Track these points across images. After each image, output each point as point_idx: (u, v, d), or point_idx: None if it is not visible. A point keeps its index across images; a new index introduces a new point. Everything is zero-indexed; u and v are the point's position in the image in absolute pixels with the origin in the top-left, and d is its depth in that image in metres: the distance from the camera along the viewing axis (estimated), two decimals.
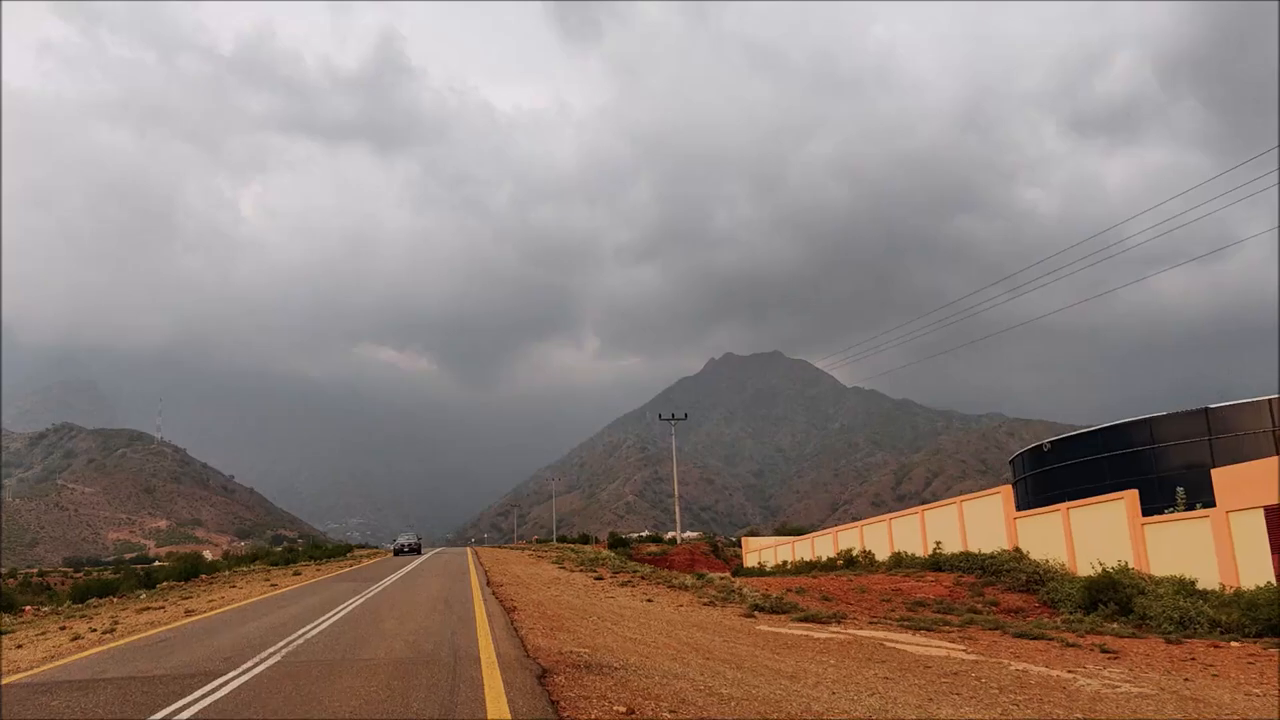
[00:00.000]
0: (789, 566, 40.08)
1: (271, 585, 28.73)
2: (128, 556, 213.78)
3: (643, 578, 24.84)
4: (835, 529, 40.06)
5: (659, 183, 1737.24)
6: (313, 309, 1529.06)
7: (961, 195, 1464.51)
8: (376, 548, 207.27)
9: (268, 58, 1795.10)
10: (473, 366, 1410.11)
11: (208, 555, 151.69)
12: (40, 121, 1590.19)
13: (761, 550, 47.58)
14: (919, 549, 30.33)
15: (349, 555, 69.73)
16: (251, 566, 46.98)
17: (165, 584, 34.16)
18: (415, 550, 64.68)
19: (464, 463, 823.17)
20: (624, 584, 23.23)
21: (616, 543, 58.28)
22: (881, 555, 32.60)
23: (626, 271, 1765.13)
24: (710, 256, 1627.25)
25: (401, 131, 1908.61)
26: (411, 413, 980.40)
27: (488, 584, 24.30)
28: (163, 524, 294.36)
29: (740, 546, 52.19)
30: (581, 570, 29.78)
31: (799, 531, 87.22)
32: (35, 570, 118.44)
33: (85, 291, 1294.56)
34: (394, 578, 29.66)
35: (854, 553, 34.69)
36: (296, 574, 36.44)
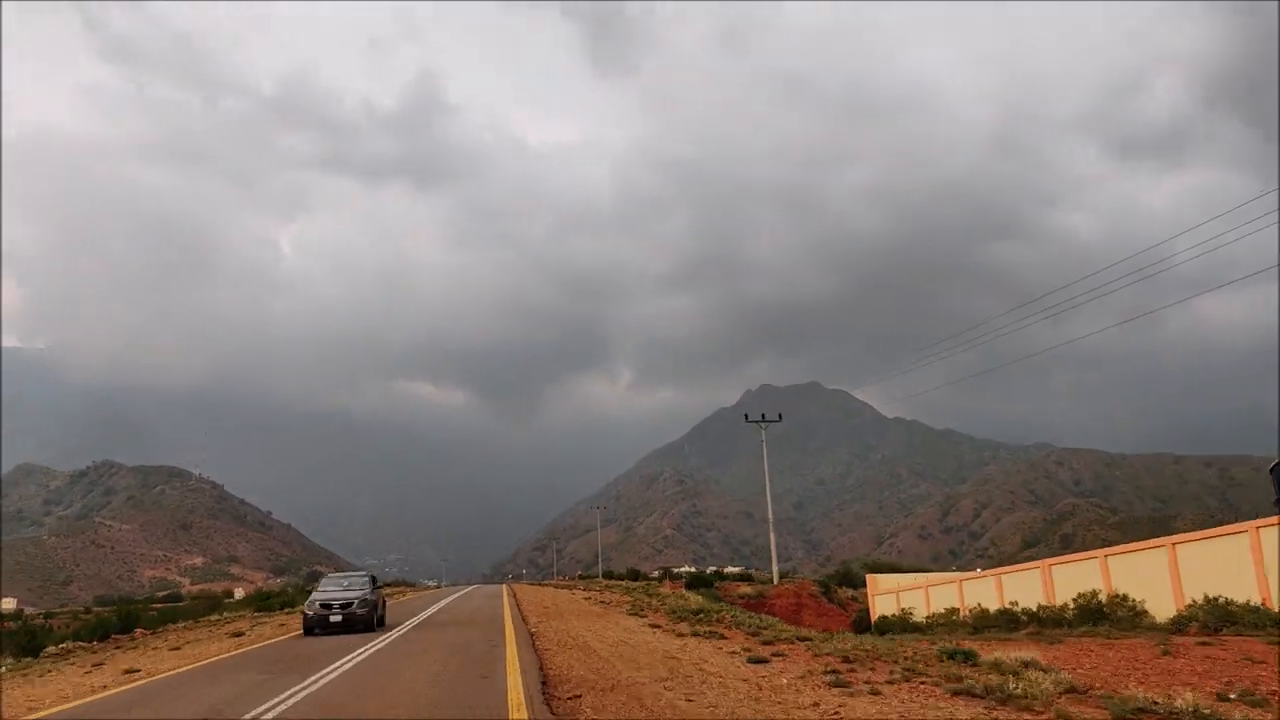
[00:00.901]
0: (961, 619, 26.94)
1: (124, 673, 16.78)
2: (160, 594, 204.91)
3: (869, 658, 12.12)
4: (1046, 562, 27.33)
5: (693, 213, 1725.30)
6: (351, 344, 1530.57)
7: (1000, 221, 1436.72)
8: (414, 584, 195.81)
9: (308, 98, 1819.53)
10: (507, 400, 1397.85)
11: (239, 593, 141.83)
12: (81, 161, 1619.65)
13: (901, 592, 34.51)
14: (1249, 592, 17.67)
15: None
16: (223, 614, 35.17)
17: (62, 645, 22.23)
18: (359, 623, 25.79)
19: (499, 497, 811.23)
20: (840, 685, 10.64)
21: (698, 581, 44.44)
22: (1158, 606, 19.83)
23: (660, 303, 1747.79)
24: (745, 286, 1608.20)
25: (438, 168, 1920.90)
26: (447, 447, 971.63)
27: (544, 691, 11.58)
28: (199, 561, 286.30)
29: (866, 587, 38.37)
30: (694, 632, 17.32)
31: (894, 568, 73.34)
32: (38, 613, 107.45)
33: (126, 330, 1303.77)
34: (359, 658, 17.39)
35: (1098, 599, 21.78)
36: (238, 634, 24.62)
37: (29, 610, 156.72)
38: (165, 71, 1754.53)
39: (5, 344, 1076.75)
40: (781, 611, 33.14)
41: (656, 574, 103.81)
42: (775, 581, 44.86)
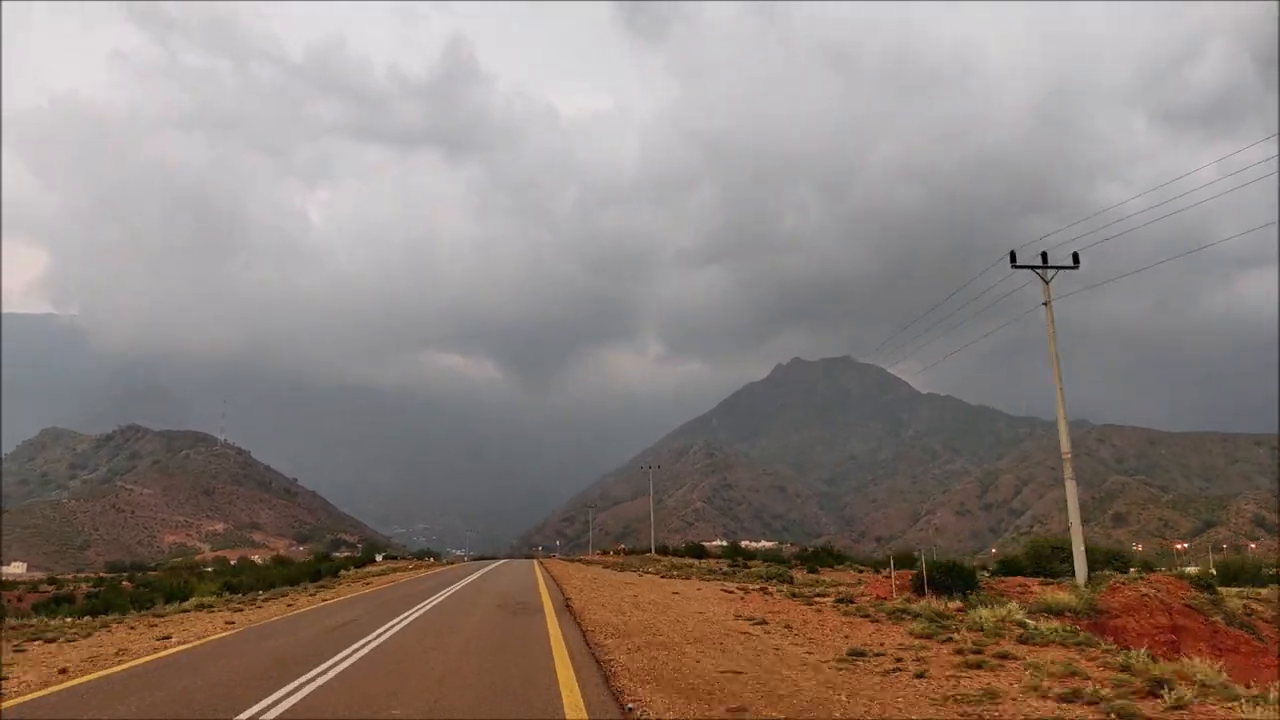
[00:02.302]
0: None
1: None
2: (174, 561, 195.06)
3: None
4: None
5: (724, 186, 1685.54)
6: (379, 316, 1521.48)
7: (1038, 194, 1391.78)
8: (439, 556, 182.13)
9: (338, 66, 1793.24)
10: (536, 372, 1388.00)
11: (256, 560, 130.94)
12: (113, 131, 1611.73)
13: None
14: None
15: (339, 575, 43.33)
16: (145, 605, 21.04)
17: None
18: None
19: (528, 469, 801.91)
20: None
21: (953, 578, 18.70)
22: None
23: (690, 276, 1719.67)
24: (776, 260, 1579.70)
25: (468, 137, 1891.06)
26: (476, 419, 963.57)
27: None
28: (220, 527, 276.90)
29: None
30: None
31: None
32: (22, 580, 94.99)
33: (156, 298, 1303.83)
34: None
35: None
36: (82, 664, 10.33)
37: (37, 575, 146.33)
38: (196, 37, 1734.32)
39: (37, 310, 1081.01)
40: (1141, 637, 16.83)
41: (720, 547, 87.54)
42: (1079, 577, 19.89)
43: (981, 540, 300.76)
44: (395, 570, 58.76)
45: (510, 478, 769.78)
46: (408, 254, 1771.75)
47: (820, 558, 50.46)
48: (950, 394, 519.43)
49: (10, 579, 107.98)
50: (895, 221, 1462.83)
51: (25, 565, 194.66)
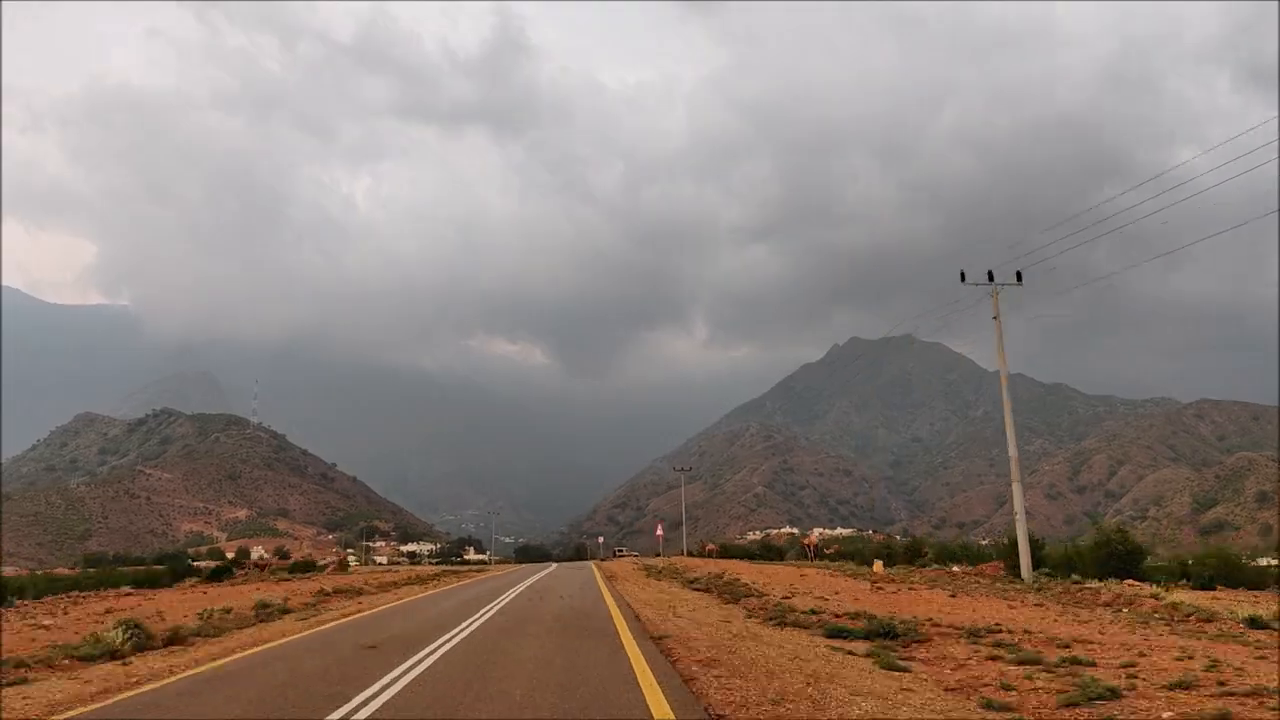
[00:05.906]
0: None
1: None
2: (169, 553, 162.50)
3: None
4: None
5: (777, 158, 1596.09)
6: (427, 298, 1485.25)
7: (1113, 161, 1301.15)
8: (479, 547, 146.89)
9: (385, 41, 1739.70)
10: (583, 356, 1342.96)
11: (259, 552, 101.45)
12: (154, 115, 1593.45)
13: None
14: None
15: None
16: None
17: None
18: None
19: (577, 453, 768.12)
20: None
21: None
22: None
23: (740, 255, 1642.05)
24: (831, 236, 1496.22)
25: (514, 113, 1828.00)
26: (523, 403, 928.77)
27: None
28: (243, 514, 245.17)
29: None
30: None
31: None
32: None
33: (209, 286, 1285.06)
34: None
35: None
36: None
37: (9, 571, 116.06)
38: (239, 15, 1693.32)
39: (90, 300, 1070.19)
40: None
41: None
42: None
43: (1078, 525, 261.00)
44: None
45: (559, 463, 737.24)
46: (456, 234, 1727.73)
47: None
48: (1021, 371, 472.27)
49: None
50: (960, 192, 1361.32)
51: None
